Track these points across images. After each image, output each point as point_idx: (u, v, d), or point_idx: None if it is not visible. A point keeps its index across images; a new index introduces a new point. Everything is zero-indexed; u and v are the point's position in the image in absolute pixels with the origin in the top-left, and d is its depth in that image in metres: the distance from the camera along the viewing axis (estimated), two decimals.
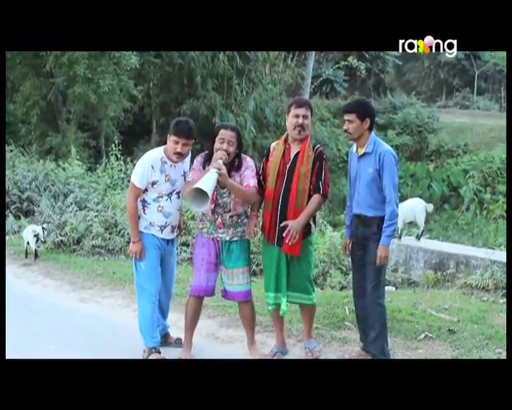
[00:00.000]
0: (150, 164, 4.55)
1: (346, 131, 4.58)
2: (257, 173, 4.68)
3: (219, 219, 4.60)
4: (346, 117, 4.55)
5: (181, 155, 4.58)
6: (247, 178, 4.56)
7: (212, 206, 4.55)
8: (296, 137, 4.57)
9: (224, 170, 4.34)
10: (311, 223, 4.67)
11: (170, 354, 4.76)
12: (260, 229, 4.78)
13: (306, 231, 4.60)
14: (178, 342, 4.98)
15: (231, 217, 4.61)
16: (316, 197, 4.54)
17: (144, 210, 4.64)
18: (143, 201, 4.62)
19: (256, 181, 4.60)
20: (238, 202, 4.59)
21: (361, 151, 4.55)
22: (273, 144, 4.78)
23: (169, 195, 4.64)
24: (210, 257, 4.65)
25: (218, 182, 4.33)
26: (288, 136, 4.67)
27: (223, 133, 4.54)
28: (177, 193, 4.69)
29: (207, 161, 4.59)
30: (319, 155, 4.59)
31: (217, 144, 4.52)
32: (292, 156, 4.58)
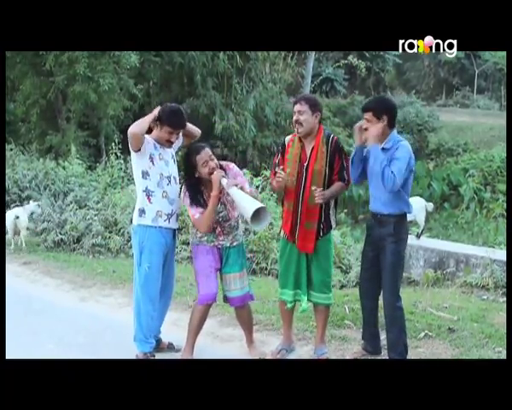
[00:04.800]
0: (144, 136, 4.50)
1: (365, 130, 4.47)
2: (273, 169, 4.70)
3: (219, 228, 4.60)
4: (364, 115, 4.48)
5: (172, 143, 4.64)
6: (243, 184, 4.54)
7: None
8: (298, 134, 4.57)
9: (240, 183, 4.43)
10: (332, 220, 4.68)
11: (167, 357, 4.75)
12: (282, 228, 4.79)
13: (326, 227, 4.63)
14: (171, 347, 4.95)
15: (229, 224, 4.64)
16: (339, 183, 4.59)
17: (149, 199, 4.56)
18: (147, 190, 4.56)
19: (249, 184, 4.70)
20: (234, 208, 4.60)
21: (379, 146, 4.46)
22: (287, 139, 4.71)
23: (168, 178, 4.61)
24: (216, 264, 4.65)
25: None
26: None
27: (200, 157, 4.47)
28: (175, 178, 4.69)
29: (198, 190, 4.55)
30: (336, 146, 4.58)
31: (203, 170, 4.47)
32: (308, 154, 4.56)
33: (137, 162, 4.57)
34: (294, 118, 4.54)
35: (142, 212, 4.61)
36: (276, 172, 4.65)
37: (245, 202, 4.28)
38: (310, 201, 4.50)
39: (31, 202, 9.83)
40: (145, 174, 4.55)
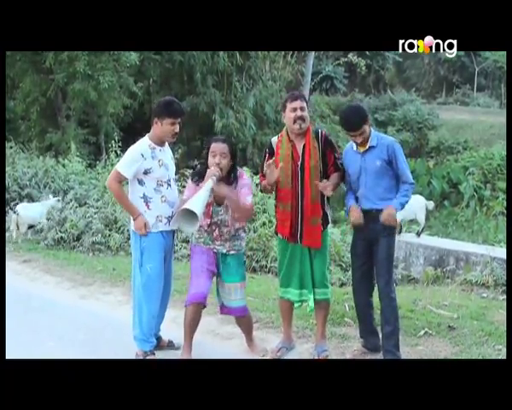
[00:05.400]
0: (140, 153, 4.49)
1: (362, 143, 4.52)
2: (262, 172, 4.70)
3: (216, 232, 4.54)
4: (357, 132, 4.48)
5: (176, 134, 4.61)
6: (244, 196, 4.49)
7: (208, 221, 4.52)
8: (298, 132, 4.54)
9: (219, 173, 4.35)
10: (329, 214, 4.70)
11: (167, 356, 4.74)
12: (276, 229, 4.78)
13: (325, 222, 4.65)
14: (171, 345, 4.95)
15: (228, 231, 4.55)
16: (337, 174, 4.62)
17: (148, 206, 4.53)
18: (144, 196, 4.53)
19: (251, 199, 4.61)
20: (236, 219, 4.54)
21: (364, 147, 4.54)
22: (274, 140, 4.71)
23: (168, 182, 4.60)
24: (210, 265, 4.58)
25: (214, 198, 4.37)
26: (287, 132, 4.64)
27: (214, 147, 4.46)
28: (174, 180, 4.70)
29: (201, 176, 4.51)
30: (326, 140, 4.61)
31: (209, 159, 4.46)
32: (300, 153, 4.56)
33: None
34: (297, 114, 4.51)
35: None
36: (264, 175, 4.66)
37: (193, 198, 4.24)
38: (312, 198, 4.52)
39: (50, 196, 9.95)
40: (141, 182, 4.54)
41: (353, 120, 4.52)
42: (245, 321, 4.85)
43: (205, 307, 4.61)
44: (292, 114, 4.54)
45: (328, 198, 4.70)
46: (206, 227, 4.56)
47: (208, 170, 4.40)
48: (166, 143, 4.71)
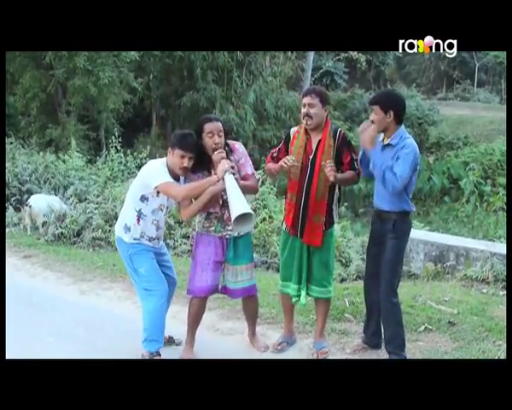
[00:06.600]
0: (163, 165, 4.43)
1: (372, 122, 4.44)
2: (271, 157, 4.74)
3: (226, 214, 4.43)
4: (371, 107, 4.47)
5: (186, 170, 4.42)
6: (245, 167, 4.49)
7: (221, 201, 4.44)
8: (306, 127, 4.53)
9: (231, 166, 4.27)
10: (334, 215, 4.66)
11: (168, 352, 4.72)
12: (283, 220, 4.78)
13: (329, 222, 4.60)
14: (171, 341, 4.96)
15: None
16: (351, 172, 4.53)
17: (139, 221, 4.49)
18: (139, 212, 4.48)
19: (252, 168, 4.60)
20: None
21: (385, 142, 4.44)
22: (293, 130, 4.70)
23: (168, 208, 4.61)
24: (217, 256, 4.53)
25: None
26: None
27: (210, 127, 4.37)
28: (167, 208, 4.64)
29: (202, 166, 4.44)
30: (343, 140, 4.57)
31: (207, 140, 4.37)
32: (314, 147, 4.53)
33: (143, 189, 4.46)
34: (304, 110, 4.48)
35: (127, 229, 4.54)
36: (272, 157, 4.68)
37: (235, 199, 4.15)
38: (317, 195, 4.49)
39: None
40: (144, 199, 4.47)
41: (376, 95, 4.67)
42: (251, 304, 4.83)
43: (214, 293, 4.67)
44: (302, 109, 4.53)
45: (339, 198, 4.69)
46: (218, 212, 4.49)
47: (214, 156, 4.32)
48: (182, 180, 4.57)
